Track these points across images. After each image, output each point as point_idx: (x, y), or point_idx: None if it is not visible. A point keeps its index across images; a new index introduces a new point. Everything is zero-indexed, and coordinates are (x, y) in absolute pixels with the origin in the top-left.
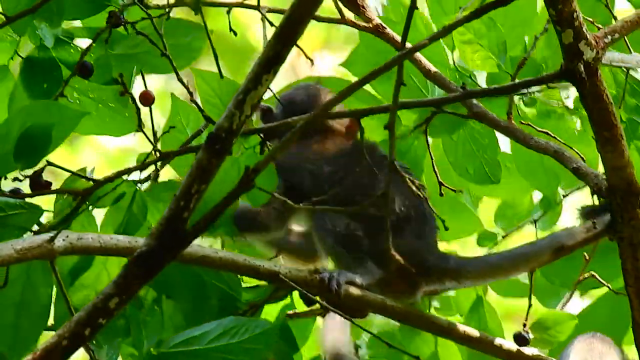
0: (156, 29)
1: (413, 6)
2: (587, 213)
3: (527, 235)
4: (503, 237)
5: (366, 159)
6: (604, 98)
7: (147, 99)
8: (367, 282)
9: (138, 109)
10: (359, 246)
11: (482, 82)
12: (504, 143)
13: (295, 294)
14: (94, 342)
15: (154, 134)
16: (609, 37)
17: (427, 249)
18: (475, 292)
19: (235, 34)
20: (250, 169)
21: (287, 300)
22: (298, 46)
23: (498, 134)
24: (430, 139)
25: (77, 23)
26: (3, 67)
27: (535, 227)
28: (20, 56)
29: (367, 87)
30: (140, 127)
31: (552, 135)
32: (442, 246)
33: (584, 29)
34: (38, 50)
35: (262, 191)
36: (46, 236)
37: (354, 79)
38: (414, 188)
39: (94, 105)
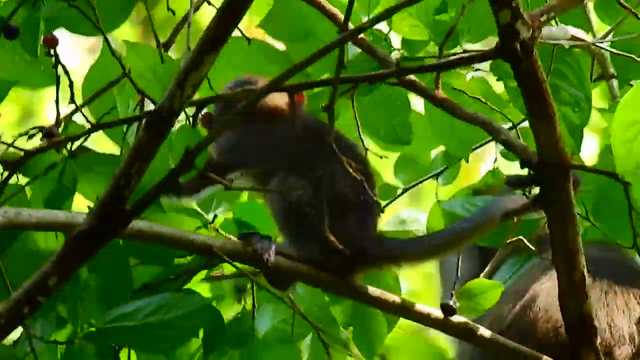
0: None
1: None
2: (512, 182)
3: (428, 189)
4: (403, 190)
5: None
6: (539, 76)
7: (51, 42)
8: (300, 256)
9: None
10: (304, 220)
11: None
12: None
13: None
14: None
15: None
16: (545, 15)
17: (367, 235)
18: None
19: (174, 13)
20: (190, 150)
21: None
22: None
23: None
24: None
25: None
26: None
27: (437, 181)
28: None
29: None
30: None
31: (484, 101)
32: None
33: (521, 9)
34: None
35: (199, 171)
36: None
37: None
38: (352, 171)
39: (9, 58)
